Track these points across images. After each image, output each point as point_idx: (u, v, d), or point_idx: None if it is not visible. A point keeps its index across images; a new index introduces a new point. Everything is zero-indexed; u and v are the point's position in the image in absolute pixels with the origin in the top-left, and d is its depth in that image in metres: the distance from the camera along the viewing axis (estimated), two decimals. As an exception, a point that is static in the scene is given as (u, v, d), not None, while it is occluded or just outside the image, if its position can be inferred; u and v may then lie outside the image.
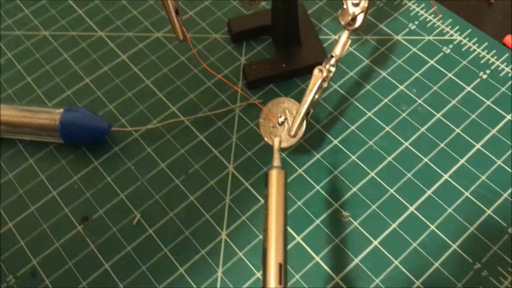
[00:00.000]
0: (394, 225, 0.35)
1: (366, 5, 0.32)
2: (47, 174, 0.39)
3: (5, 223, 0.37)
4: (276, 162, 0.27)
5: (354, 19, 0.33)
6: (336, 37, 0.43)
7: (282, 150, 0.35)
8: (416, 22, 0.44)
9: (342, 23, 0.33)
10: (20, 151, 0.40)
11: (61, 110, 0.37)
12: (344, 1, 0.33)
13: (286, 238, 0.24)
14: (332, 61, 0.34)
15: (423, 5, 0.45)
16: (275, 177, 0.26)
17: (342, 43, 0.34)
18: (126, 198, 0.37)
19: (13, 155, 0.39)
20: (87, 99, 0.41)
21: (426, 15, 0.44)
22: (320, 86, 0.33)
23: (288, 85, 0.41)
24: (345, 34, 0.34)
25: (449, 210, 0.35)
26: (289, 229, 0.35)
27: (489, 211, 0.35)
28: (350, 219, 0.35)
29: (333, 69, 0.33)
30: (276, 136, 0.33)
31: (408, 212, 0.35)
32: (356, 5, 0.32)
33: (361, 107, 0.40)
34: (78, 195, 0.37)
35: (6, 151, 0.40)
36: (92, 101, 0.41)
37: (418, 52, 0.42)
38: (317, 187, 0.36)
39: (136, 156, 0.39)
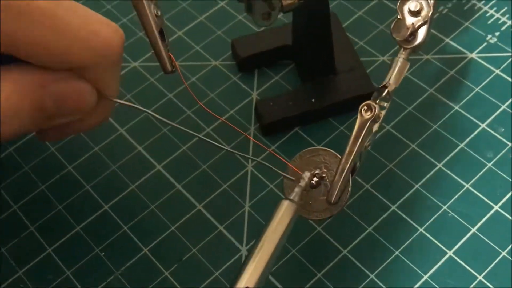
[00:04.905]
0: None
1: (430, 13, 0.31)
2: None
3: None
4: (295, 196, 0.31)
5: (413, 33, 0.32)
6: (386, 58, 0.43)
7: (318, 223, 0.36)
8: (497, 33, 0.43)
9: (398, 39, 0.32)
10: None
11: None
12: (398, 10, 0.32)
13: (267, 270, 0.28)
14: (384, 93, 0.33)
15: (505, 8, 0.44)
16: (284, 208, 0.30)
17: (398, 67, 0.33)
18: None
19: None
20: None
21: (510, 22, 0.43)
22: (370, 130, 0.32)
23: (321, 128, 0.40)
24: (401, 55, 0.33)
25: None
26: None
27: None
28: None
29: (386, 104, 0.33)
30: (313, 208, 0.33)
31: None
32: (416, 13, 0.31)
33: (427, 156, 0.39)
34: None
35: None
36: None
37: (503, 75, 0.41)
38: (371, 276, 0.35)
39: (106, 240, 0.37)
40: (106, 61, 0.29)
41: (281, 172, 0.33)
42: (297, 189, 0.31)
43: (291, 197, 0.31)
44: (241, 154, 0.34)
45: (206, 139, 0.33)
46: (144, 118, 0.42)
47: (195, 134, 0.32)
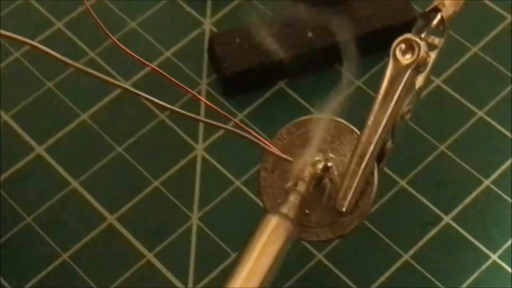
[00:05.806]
0: None
1: None
2: None
3: None
4: (290, 209, 0.26)
5: None
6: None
7: (318, 246, 0.33)
8: None
9: None
10: None
11: None
12: None
13: None
14: (436, 22, 0.30)
15: None
16: (272, 229, 0.25)
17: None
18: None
19: None
20: None
21: None
22: (410, 86, 0.28)
23: (323, 82, 0.36)
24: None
25: None
26: None
27: None
28: None
29: (438, 41, 0.30)
30: (311, 221, 0.28)
31: None
32: None
33: (503, 131, 0.34)
34: None
35: None
36: None
37: None
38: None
39: None
40: None
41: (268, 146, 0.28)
42: (293, 197, 0.26)
43: (284, 210, 0.26)
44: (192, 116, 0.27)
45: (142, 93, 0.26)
46: (13, 61, 0.38)
47: (119, 83, 0.27)
